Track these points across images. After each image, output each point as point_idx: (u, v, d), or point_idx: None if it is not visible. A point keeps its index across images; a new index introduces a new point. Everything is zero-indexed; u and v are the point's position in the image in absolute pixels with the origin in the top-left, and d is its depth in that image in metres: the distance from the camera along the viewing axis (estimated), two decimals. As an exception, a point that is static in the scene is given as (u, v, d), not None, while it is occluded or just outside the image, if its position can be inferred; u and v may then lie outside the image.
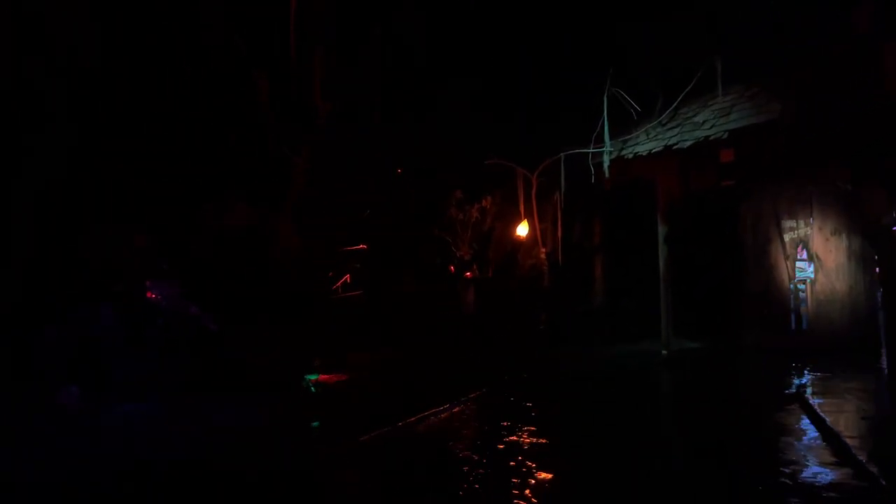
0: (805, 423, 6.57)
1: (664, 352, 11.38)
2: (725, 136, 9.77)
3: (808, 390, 8.17)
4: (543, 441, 6.19)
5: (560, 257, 12.42)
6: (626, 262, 12.96)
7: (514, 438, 6.25)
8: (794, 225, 13.52)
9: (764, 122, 9.26)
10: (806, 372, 9.94)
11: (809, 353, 12.06)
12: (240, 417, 6.91)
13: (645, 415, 7.43)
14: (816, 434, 6.15)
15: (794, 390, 8.17)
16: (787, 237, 13.35)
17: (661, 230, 11.71)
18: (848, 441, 5.62)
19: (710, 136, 10.05)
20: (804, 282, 13.36)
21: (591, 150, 11.55)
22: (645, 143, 11.25)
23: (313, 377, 8.58)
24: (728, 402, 8.06)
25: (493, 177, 12.40)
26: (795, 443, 5.98)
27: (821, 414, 6.54)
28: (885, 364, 10.66)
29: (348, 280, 11.17)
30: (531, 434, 6.39)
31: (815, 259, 13.56)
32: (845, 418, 6.57)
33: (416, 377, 9.72)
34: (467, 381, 8.81)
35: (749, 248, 12.74)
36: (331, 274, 10.86)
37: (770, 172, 10.78)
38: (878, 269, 19.74)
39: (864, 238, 14.46)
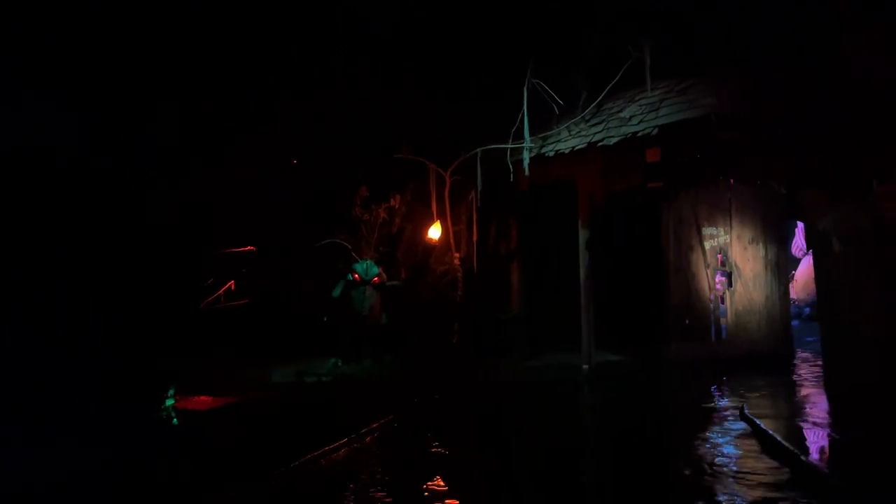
0: (737, 441, 5.78)
1: (585, 366, 10.56)
2: (655, 132, 9.00)
3: (729, 403, 7.46)
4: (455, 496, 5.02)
5: (475, 263, 11.37)
6: (547, 268, 12.13)
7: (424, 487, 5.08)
8: (715, 232, 13.13)
9: (696, 118, 8.53)
10: (727, 385, 9.51)
11: (730, 364, 11.78)
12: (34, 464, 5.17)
13: (566, 448, 6.39)
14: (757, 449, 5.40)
15: (718, 404, 7.47)
16: (707, 245, 12.94)
17: (582, 235, 10.92)
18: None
19: (637, 132, 9.27)
20: (724, 291, 13.01)
21: (510, 146, 10.58)
22: (567, 139, 10.39)
23: (170, 402, 7.06)
24: (654, 424, 7.19)
25: (402, 173, 11.22)
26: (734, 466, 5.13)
27: (761, 424, 5.79)
28: (797, 371, 10.67)
29: (232, 288, 9.70)
30: (440, 485, 5.22)
31: (734, 268, 13.23)
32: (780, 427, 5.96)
33: (308, 402, 8.42)
34: (371, 405, 7.61)
35: (671, 256, 12.21)
36: (210, 281, 9.36)
37: (696, 174, 10.11)
38: (791, 277, 19.87)
39: (778, 246, 14.39)
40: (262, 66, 9.88)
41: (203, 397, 8.26)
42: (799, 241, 19.55)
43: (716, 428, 6.61)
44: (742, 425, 6.61)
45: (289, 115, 10.18)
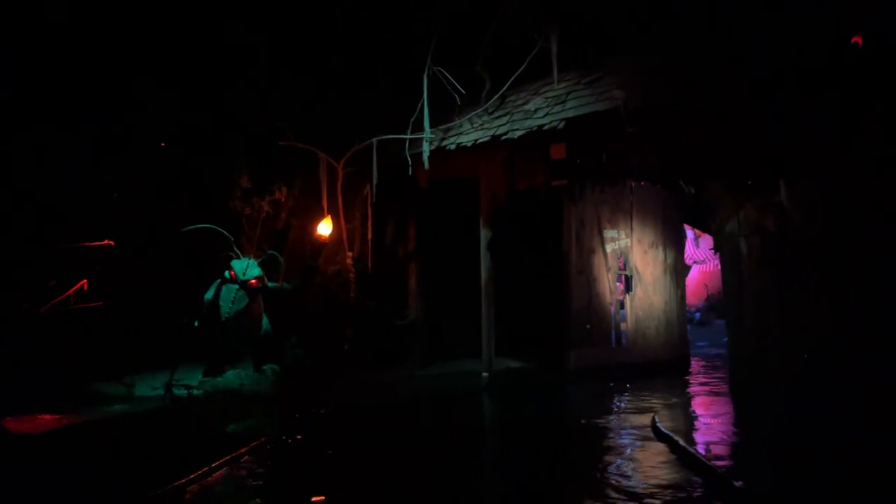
0: (651, 459, 5.25)
1: (485, 374, 9.95)
2: (561, 125, 8.49)
3: (638, 416, 7.00)
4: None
5: (370, 263, 10.52)
6: (448, 270, 11.45)
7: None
8: (616, 235, 12.88)
9: (605, 111, 8.06)
10: (632, 395, 9.12)
11: (631, 371, 11.55)
12: None
13: (463, 469, 5.64)
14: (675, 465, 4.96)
15: (625, 417, 7.04)
16: (608, 248, 12.67)
17: (484, 235, 10.33)
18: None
19: (543, 125, 8.73)
20: (624, 296, 12.80)
21: (409, 137, 9.81)
22: (470, 132, 9.74)
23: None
24: (560, 443, 6.59)
25: (290, 163, 10.19)
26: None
27: (680, 442, 5.30)
28: (698, 378, 10.55)
29: (85, 288, 8.39)
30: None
31: (635, 272, 13.04)
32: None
33: (172, 420, 7.33)
34: (244, 423, 6.60)
35: (573, 258, 11.81)
36: (53, 282, 8.01)
37: (602, 172, 9.72)
38: (678, 284, 20.09)
39: (676, 251, 14.40)
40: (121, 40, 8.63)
41: (43, 416, 7.00)
42: (688, 250, 19.93)
43: (625, 445, 6.06)
44: (653, 441, 6.12)
45: (156, 96, 8.95)
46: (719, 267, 24.29)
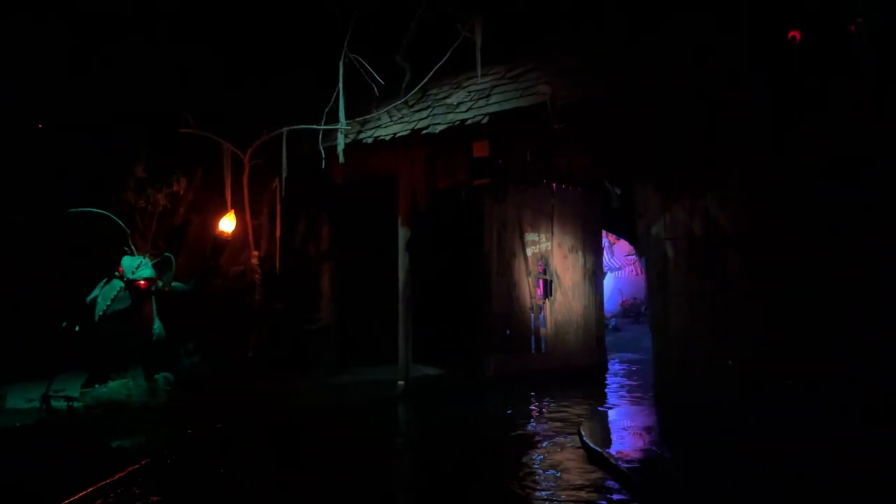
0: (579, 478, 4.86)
1: (401, 383, 9.39)
2: (485, 120, 8.05)
3: (560, 426, 6.64)
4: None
5: (278, 263, 9.77)
6: (364, 272, 10.86)
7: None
8: (537, 238, 12.65)
9: (530, 106, 7.69)
10: (553, 404, 8.79)
11: (550, 378, 11.32)
12: None
13: (372, 491, 5.07)
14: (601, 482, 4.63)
15: (547, 429, 6.72)
16: (529, 251, 12.42)
17: (403, 235, 9.79)
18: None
19: (466, 119, 8.28)
20: (544, 301, 12.57)
21: (323, 128, 9.14)
22: (388, 125, 9.18)
23: None
24: (479, 458, 6.12)
25: (190, 153, 9.31)
26: None
27: (612, 459, 4.95)
28: (619, 385, 10.46)
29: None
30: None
31: (555, 276, 12.84)
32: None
33: (48, 436, 6.42)
34: (133, 439, 5.79)
35: (495, 261, 11.49)
36: None
37: (525, 172, 9.36)
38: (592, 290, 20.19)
39: (595, 256, 14.31)
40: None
41: None
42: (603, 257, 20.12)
43: (549, 457, 5.65)
44: (577, 450, 5.75)
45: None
46: (634, 273, 24.67)
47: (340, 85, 8.92)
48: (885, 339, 5.76)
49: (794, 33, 5.07)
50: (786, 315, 6.29)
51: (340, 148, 8.95)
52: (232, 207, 9.32)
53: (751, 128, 6.66)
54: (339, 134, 8.90)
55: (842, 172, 6.14)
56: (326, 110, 9.19)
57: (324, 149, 9.21)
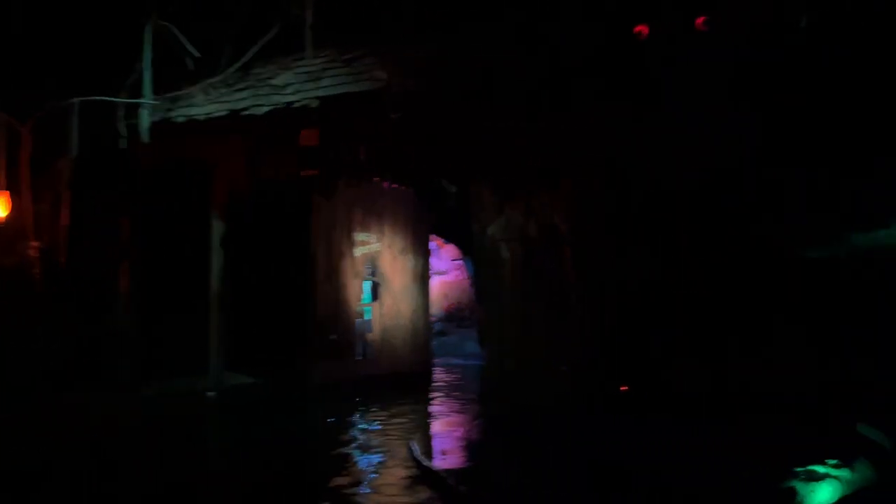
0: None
1: (211, 393, 8.45)
2: (315, 104, 7.42)
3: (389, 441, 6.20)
4: None
5: (64, 257, 8.38)
6: (173, 269, 9.69)
7: None
8: (367, 239, 12.11)
9: (365, 92, 7.15)
10: (380, 415, 8.44)
11: (377, 385, 10.85)
12: None
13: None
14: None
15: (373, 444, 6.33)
16: (358, 252, 11.85)
17: (218, 229, 8.93)
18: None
19: (293, 102, 7.58)
20: (372, 304, 12.07)
21: (124, 101, 7.96)
22: (204, 104, 8.19)
23: None
24: (291, 478, 5.47)
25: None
26: None
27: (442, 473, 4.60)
28: (447, 393, 10.27)
29: None
30: None
31: (383, 279, 12.38)
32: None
33: None
34: None
35: (321, 262, 10.81)
36: None
37: (357, 166, 8.80)
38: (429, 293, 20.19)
39: (424, 258, 14.06)
40: None
41: None
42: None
43: (375, 477, 5.13)
44: (408, 467, 5.28)
45: None
46: (459, 278, 24.94)
47: (147, 54, 7.80)
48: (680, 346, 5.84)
49: (642, 28, 4.93)
50: (618, 319, 6.26)
51: (145, 126, 7.84)
52: (6, 189, 7.83)
53: (583, 128, 6.58)
54: (142, 110, 7.78)
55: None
56: (129, 82, 8.02)
57: (126, 127, 8.06)
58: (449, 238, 18.97)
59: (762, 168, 5.25)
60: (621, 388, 5.86)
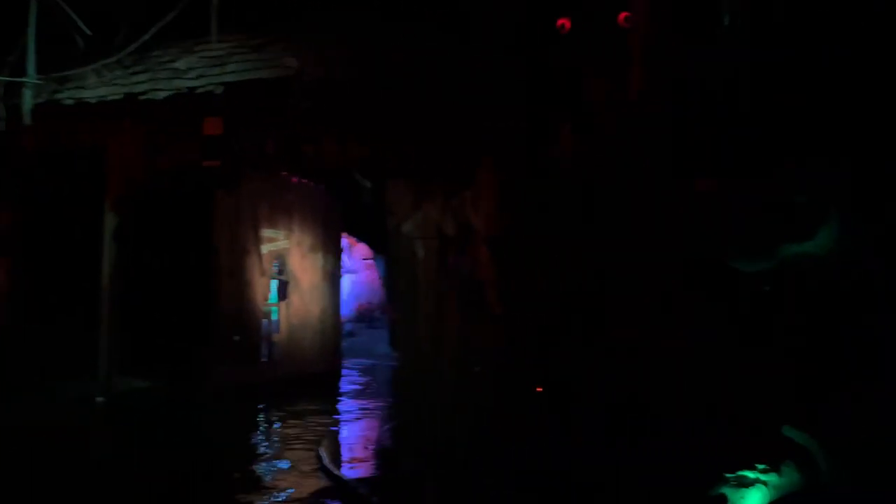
0: None
1: (101, 399, 7.86)
2: (220, 90, 7.01)
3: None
4: None
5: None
6: (60, 264, 8.99)
7: None
8: (275, 235, 11.62)
9: (273, 79, 6.83)
10: (286, 417, 8.24)
11: (285, 389, 10.43)
12: None
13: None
14: None
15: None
16: (265, 249, 11.34)
17: (111, 221, 8.34)
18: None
19: (196, 87, 7.16)
20: (278, 304, 11.60)
21: (4, 80, 7.26)
22: (97, 87, 7.64)
23: None
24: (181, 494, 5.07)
25: None
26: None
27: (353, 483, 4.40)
28: (357, 397, 10.01)
29: None
30: None
31: (291, 278, 11.92)
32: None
33: None
34: None
35: (224, 258, 10.28)
36: None
37: (264, 157, 8.37)
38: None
39: (335, 257, 13.69)
40: None
41: None
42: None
43: (280, 490, 4.81)
44: (315, 482, 5.00)
45: None
46: (370, 277, 24.58)
47: (32, 29, 7.14)
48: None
49: (564, 21, 4.83)
50: (534, 320, 6.16)
51: (28, 107, 7.19)
52: None
53: (504, 127, 6.46)
54: (25, 90, 7.12)
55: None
56: (11, 59, 7.34)
57: (6, 107, 7.36)
58: (361, 237, 18.63)
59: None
60: (537, 390, 5.76)
